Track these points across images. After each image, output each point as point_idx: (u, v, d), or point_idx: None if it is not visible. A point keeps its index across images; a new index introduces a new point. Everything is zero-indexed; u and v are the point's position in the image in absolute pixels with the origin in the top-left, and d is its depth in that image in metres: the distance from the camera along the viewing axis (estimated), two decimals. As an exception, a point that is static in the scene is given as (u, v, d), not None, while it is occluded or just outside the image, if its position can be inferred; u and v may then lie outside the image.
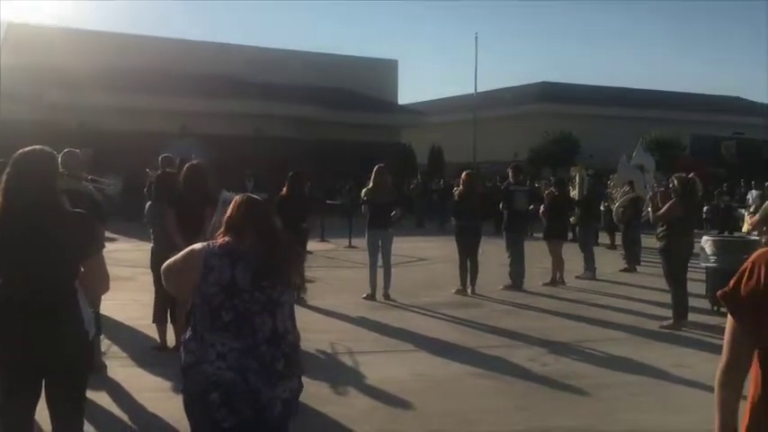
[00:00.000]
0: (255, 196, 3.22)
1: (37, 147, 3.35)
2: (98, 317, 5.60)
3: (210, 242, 3.01)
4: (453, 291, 10.41)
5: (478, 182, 13.88)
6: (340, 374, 6.22)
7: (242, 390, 2.84)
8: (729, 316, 2.05)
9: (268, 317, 2.91)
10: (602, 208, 17.16)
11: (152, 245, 6.98)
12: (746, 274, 1.99)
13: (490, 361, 6.74)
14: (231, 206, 3.11)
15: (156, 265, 6.81)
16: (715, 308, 8.88)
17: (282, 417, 2.93)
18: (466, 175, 10.91)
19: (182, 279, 3.03)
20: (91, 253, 3.22)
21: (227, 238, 2.99)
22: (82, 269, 3.21)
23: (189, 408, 2.96)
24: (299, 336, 3.07)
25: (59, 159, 5.65)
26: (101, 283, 3.32)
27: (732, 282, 2.04)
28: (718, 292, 2.09)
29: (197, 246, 3.01)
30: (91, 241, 3.23)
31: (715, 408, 2.06)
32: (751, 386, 2.03)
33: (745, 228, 8.19)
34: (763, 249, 2.05)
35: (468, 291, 10.36)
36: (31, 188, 3.15)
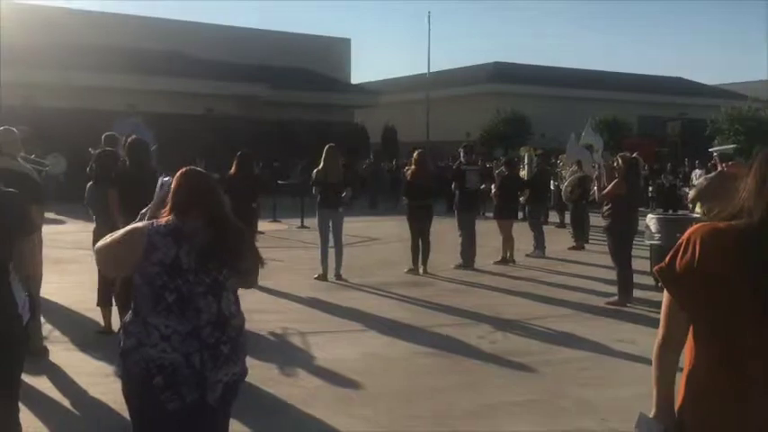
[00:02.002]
0: (200, 169, 3.12)
1: None
2: (34, 301, 5.45)
3: (154, 221, 2.91)
4: (405, 270, 10.44)
5: (430, 161, 13.91)
6: (289, 355, 6.19)
7: (187, 372, 2.78)
8: (666, 291, 2.07)
9: (213, 299, 2.84)
10: (551, 187, 17.44)
11: (94, 225, 6.80)
12: (682, 248, 2.01)
13: (439, 339, 6.79)
14: (175, 179, 3.00)
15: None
16: (659, 284, 9.01)
17: (223, 400, 2.88)
18: (418, 154, 10.91)
19: (120, 258, 2.90)
20: (21, 234, 3.10)
21: (171, 217, 2.90)
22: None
23: (129, 392, 2.88)
24: (244, 319, 3.01)
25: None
26: (31, 266, 3.20)
27: (668, 257, 2.06)
28: (655, 268, 2.12)
29: (139, 224, 2.90)
30: (20, 222, 3.12)
31: (653, 381, 2.10)
32: (686, 359, 2.06)
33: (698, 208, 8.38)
34: (698, 224, 2.06)
35: (420, 270, 10.41)
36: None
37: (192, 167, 3.09)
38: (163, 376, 2.75)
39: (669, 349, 2.07)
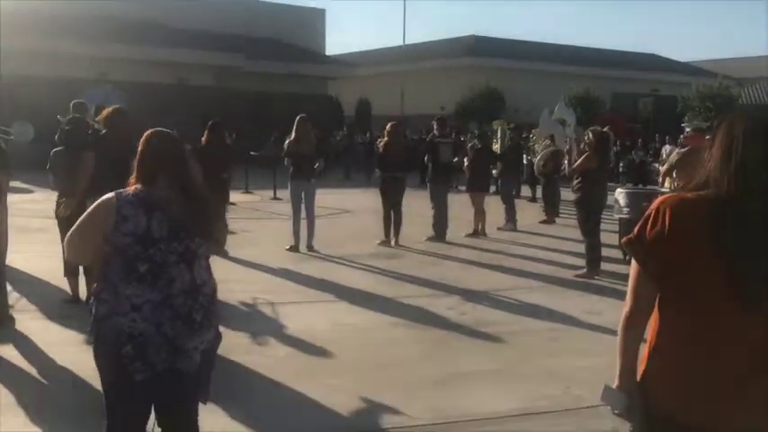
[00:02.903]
0: (166, 131, 3.05)
1: None
2: (0, 267, 5.40)
3: (122, 190, 2.86)
4: (377, 242, 10.47)
5: (403, 134, 13.89)
6: (260, 325, 6.21)
7: (157, 341, 2.77)
8: (633, 262, 2.08)
9: (185, 268, 2.82)
10: (524, 162, 17.53)
11: (58, 194, 6.67)
12: (651, 219, 2.01)
13: (409, 310, 6.85)
14: (141, 143, 2.96)
15: (65, 216, 6.56)
16: (627, 258, 9.21)
17: (202, 368, 2.89)
18: (391, 126, 10.89)
19: (90, 237, 2.83)
20: None
21: (139, 186, 2.86)
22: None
23: (100, 359, 2.87)
24: (215, 286, 3.01)
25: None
26: None
27: (637, 228, 2.06)
28: (623, 239, 2.11)
29: (106, 196, 2.85)
30: None
31: (618, 351, 2.11)
32: (650, 331, 2.08)
33: (667, 183, 8.48)
34: (666, 195, 2.07)
35: (392, 242, 10.45)
36: None
37: (160, 129, 3.03)
38: (132, 345, 2.75)
39: (635, 321, 2.08)
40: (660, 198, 2.05)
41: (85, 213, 2.89)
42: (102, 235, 2.79)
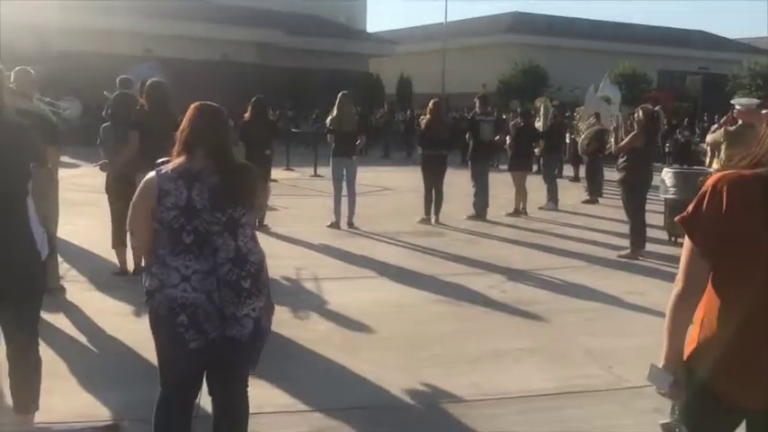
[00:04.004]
0: (210, 103, 3.10)
1: None
2: (52, 238, 5.54)
3: (162, 167, 2.93)
4: (417, 220, 10.47)
5: (445, 111, 13.80)
6: (301, 300, 6.28)
7: (208, 310, 2.85)
8: (687, 241, 2.03)
9: (229, 237, 2.87)
10: (567, 140, 17.28)
11: (108, 167, 6.83)
12: (708, 196, 1.97)
13: (449, 288, 6.85)
14: (186, 115, 3.02)
15: (110, 187, 6.73)
16: (672, 239, 9.08)
17: (255, 335, 2.93)
18: (433, 103, 10.82)
19: (142, 219, 2.92)
20: (32, 163, 3.13)
21: (179, 159, 2.92)
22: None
23: (155, 330, 2.97)
24: (263, 256, 3.04)
25: (11, 77, 5.49)
26: (49, 205, 3.26)
27: (692, 205, 2.02)
28: (677, 218, 2.06)
29: (147, 176, 2.94)
30: (30, 151, 3.15)
31: (665, 330, 2.08)
32: (700, 311, 2.05)
33: (715, 164, 8.26)
34: (721, 173, 2.01)
35: (432, 220, 10.43)
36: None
37: (205, 102, 3.08)
38: (185, 315, 2.83)
39: (687, 301, 2.04)
40: (717, 175, 2.00)
41: (134, 198, 2.98)
42: (151, 214, 2.88)
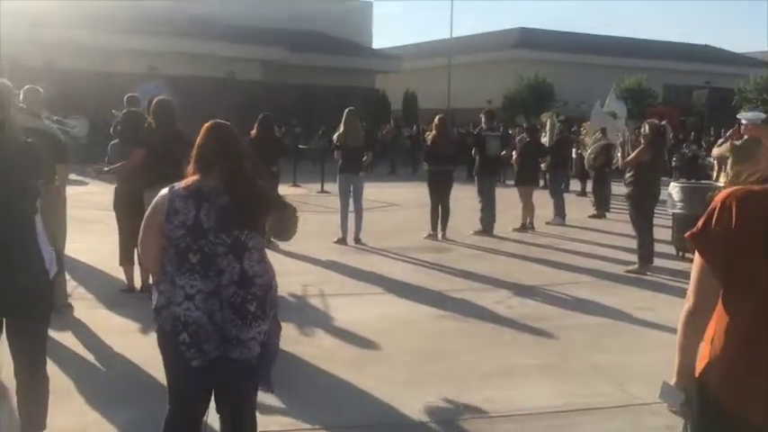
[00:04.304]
0: (225, 122, 3.11)
1: None
2: (60, 256, 5.55)
3: (176, 184, 2.95)
4: (424, 235, 10.46)
5: (450, 127, 13.83)
6: (308, 316, 6.26)
7: (209, 330, 2.85)
8: (697, 257, 2.01)
9: (235, 259, 2.87)
10: (573, 155, 17.27)
11: (115, 185, 6.87)
12: (717, 212, 1.95)
13: (457, 303, 6.83)
14: (201, 133, 3.02)
15: (118, 205, 6.75)
16: (680, 253, 9.04)
17: (262, 357, 2.94)
18: (438, 119, 10.84)
19: (153, 236, 2.92)
20: (40, 180, 3.14)
21: (193, 178, 2.93)
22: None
23: (162, 346, 2.99)
24: (272, 278, 3.02)
25: (20, 95, 5.54)
26: (57, 222, 3.28)
27: (701, 222, 2.00)
28: (687, 233, 2.04)
29: (163, 191, 2.95)
30: (39, 170, 3.16)
31: (677, 347, 2.07)
32: (710, 327, 2.03)
33: (722, 178, 8.23)
34: (731, 188, 2.00)
35: (439, 235, 10.42)
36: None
37: (219, 121, 3.10)
38: (187, 333, 2.84)
39: (698, 318, 2.02)
40: (726, 191, 1.98)
41: (145, 215, 2.99)
42: (160, 230, 2.89)
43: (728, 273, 1.95)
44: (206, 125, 3.05)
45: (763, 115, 8.37)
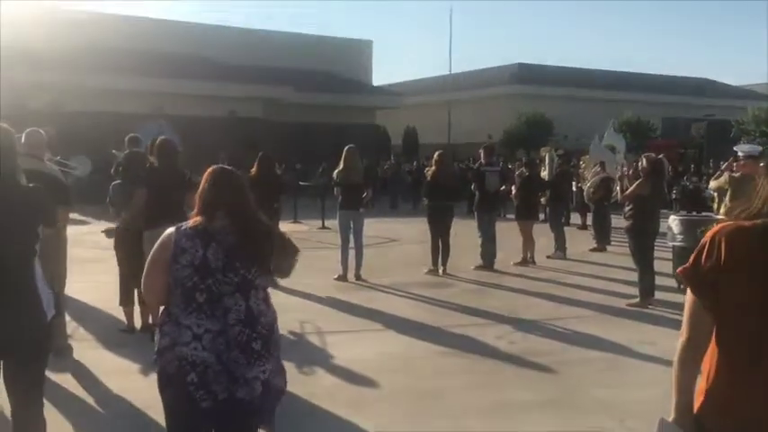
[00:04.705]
0: (228, 168, 3.17)
1: None
2: (59, 298, 5.55)
3: (183, 223, 2.97)
4: (425, 271, 10.45)
5: (450, 162, 13.90)
6: (307, 354, 6.23)
7: (217, 370, 2.84)
8: (689, 293, 2.03)
9: (241, 298, 2.89)
10: (573, 189, 17.33)
11: (117, 224, 6.90)
12: (707, 249, 1.97)
13: (458, 339, 6.80)
14: (203, 178, 3.06)
15: (119, 244, 6.77)
16: (681, 286, 9.01)
17: (265, 398, 2.92)
18: (438, 155, 10.92)
19: (158, 275, 2.93)
20: (42, 225, 3.17)
21: (199, 218, 2.96)
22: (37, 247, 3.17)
23: (164, 389, 2.95)
24: (275, 317, 3.04)
25: (23, 138, 5.60)
26: (57, 264, 3.29)
27: (692, 257, 2.02)
28: (679, 269, 2.07)
29: (169, 230, 2.97)
30: (41, 215, 3.19)
31: (673, 383, 2.07)
32: (706, 362, 2.03)
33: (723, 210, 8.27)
34: (721, 224, 2.02)
35: (440, 271, 10.41)
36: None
37: (221, 166, 3.15)
38: (196, 373, 2.82)
39: (693, 352, 2.03)
40: (715, 227, 2.01)
41: (151, 253, 3.00)
42: (167, 269, 2.89)
43: (720, 308, 1.96)
44: (208, 171, 3.08)
45: (759, 148, 8.45)
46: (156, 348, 2.94)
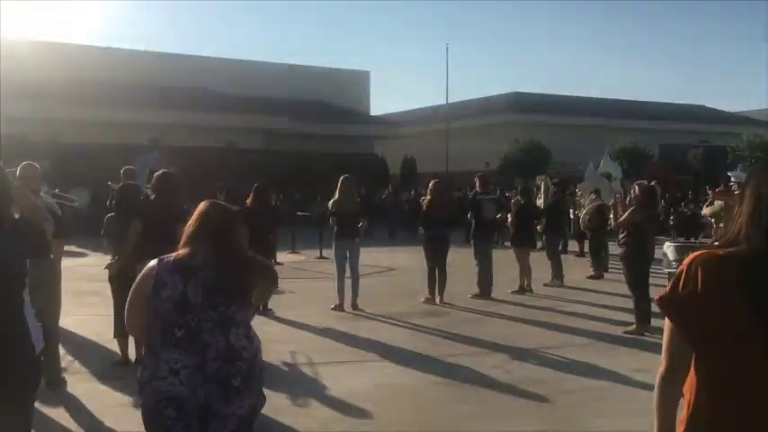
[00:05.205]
0: (221, 203, 3.19)
1: None
2: (54, 330, 5.55)
3: (165, 256, 2.98)
4: (422, 300, 10.43)
5: (446, 191, 13.94)
6: (302, 386, 6.20)
7: (194, 406, 2.84)
8: (667, 321, 2.03)
9: (220, 334, 2.88)
10: (570, 216, 17.37)
11: (111, 256, 6.90)
12: (683, 277, 1.97)
13: (454, 369, 6.77)
14: (195, 212, 3.09)
15: (113, 277, 6.75)
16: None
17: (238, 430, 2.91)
18: (433, 184, 10.97)
19: (139, 307, 2.95)
20: (30, 258, 3.17)
21: (182, 251, 2.97)
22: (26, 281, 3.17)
23: (146, 422, 2.96)
24: (258, 351, 3.02)
25: (17, 172, 5.63)
26: (47, 297, 3.29)
27: (669, 286, 2.02)
28: (656, 298, 2.07)
29: (152, 262, 2.98)
30: (27, 246, 3.20)
31: (654, 411, 2.06)
32: (687, 390, 2.03)
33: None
34: (698, 252, 2.02)
35: (437, 300, 10.39)
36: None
37: (214, 201, 3.16)
38: (173, 408, 2.82)
39: (672, 380, 2.03)
40: (691, 255, 2.01)
41: (134, 284, 3.01)
42: (148, 301, 2.90)
43: (696, 336, 1.96)
44: (201, 203, 3.10)
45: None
46: (138, 381, 2.94)
